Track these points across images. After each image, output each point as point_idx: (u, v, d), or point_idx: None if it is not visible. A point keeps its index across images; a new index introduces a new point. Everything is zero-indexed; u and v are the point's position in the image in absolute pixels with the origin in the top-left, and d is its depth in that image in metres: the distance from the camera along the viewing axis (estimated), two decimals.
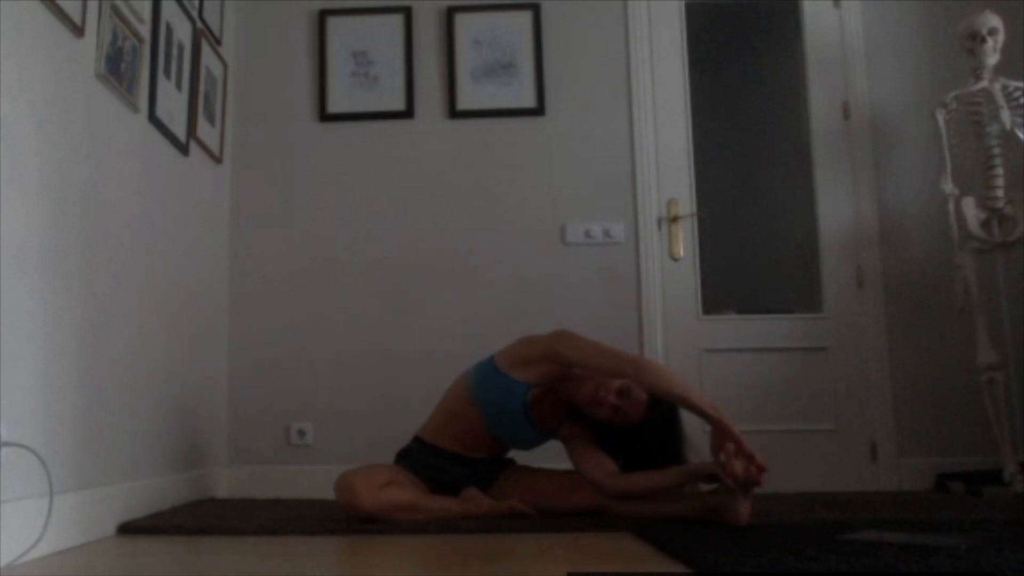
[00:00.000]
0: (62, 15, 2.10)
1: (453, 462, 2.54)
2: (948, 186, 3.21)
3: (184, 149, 2.97)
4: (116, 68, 2.41)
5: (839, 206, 3.58)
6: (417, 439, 2.60)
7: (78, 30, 2.18)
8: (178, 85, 2.91)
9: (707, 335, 3.49)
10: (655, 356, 3.38)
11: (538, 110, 3.57)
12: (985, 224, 3.15)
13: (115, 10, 2.39)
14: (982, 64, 3.18)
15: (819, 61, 3.67)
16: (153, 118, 2.68)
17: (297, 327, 3.48)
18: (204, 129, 3.19)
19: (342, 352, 3.45)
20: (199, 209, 3.18)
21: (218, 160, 3.38)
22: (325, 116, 3.60)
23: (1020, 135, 3.13)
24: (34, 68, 2.00)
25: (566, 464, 2.53)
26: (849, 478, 3.37)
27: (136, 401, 2.55)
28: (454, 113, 3.59)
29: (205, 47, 3.19)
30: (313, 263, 3.52)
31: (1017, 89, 3.15)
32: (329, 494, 2.42)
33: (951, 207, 3.20)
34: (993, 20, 3.18)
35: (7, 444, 1.79)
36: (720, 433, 2.24)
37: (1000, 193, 3.12)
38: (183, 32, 2.96)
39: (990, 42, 3.16)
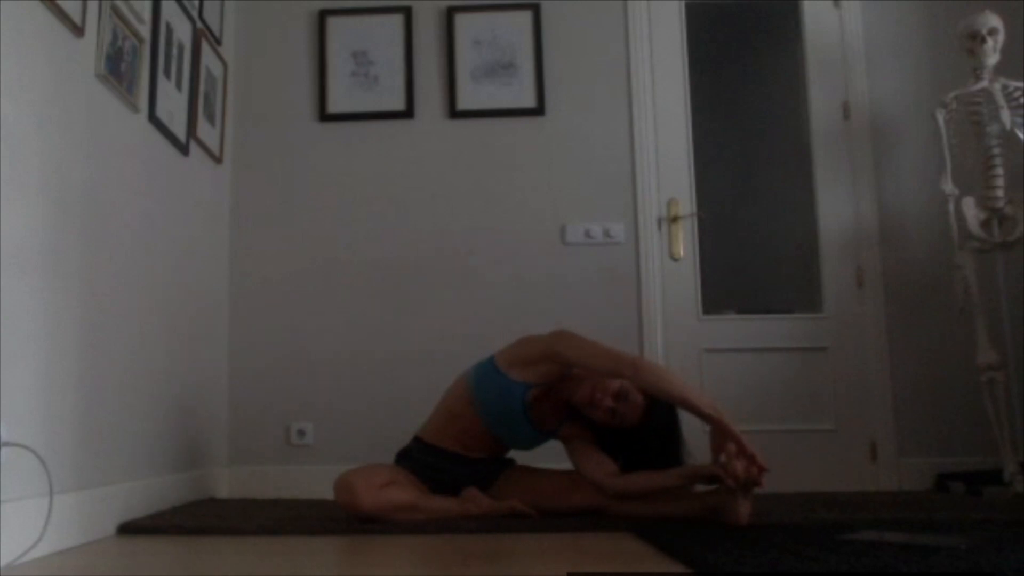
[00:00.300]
0: (62, 15, 2.10)
1: (453, 462, 2.54)
2: (948, 186, 3.21)
3: (184, 149, 2.97)
4: (116, 68, 2.41)
5: (839, 206, 3.58)
6: (417, 439, 2.61)
7: (78, 30, 2.18)
8: (178, 85, 2.91)
9: (707, 335, 3.49)
10: (655, 356, 3.39)
11: (538, 110, 3.57)
12: (985, 224, 3.15)
13: (115, 10, 2.39)
14: (982, 64, 3.18)
15: (819, 61, 3.67)
16: (153, 118, 2.68)
17: (297, 327, 3.48)
18: (204, 129, 3.19)
19: (342, 352, 3.45)
20: (199, 209, 3.18)
21: (218, 160, 3.38)
22: (325, 116, 3.60)
23: (1020, 135, 3.13)
24: (34, 68, 2.00)
25: (566, 464, 2.53)
26: (849, 478, 3.37)
27: (136, 401, 2.55)
28: (454, 113, 3.59)
29: (205, 47, 3.19)
30: (313, 263, 3.52)
31: (1017, 89, 3.15)
32: (329, 494, 2.42)
33: (951, 207, 3.20)
34: (993, 20, 3.18)
35: (7, 444, 1.79)
36: (720, 433, 2.24)
37: (1000, 193, 3.12)
38: (183, 32, 2.96)
39: (990, 42, 3.16)
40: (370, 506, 2.32)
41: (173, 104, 2.86)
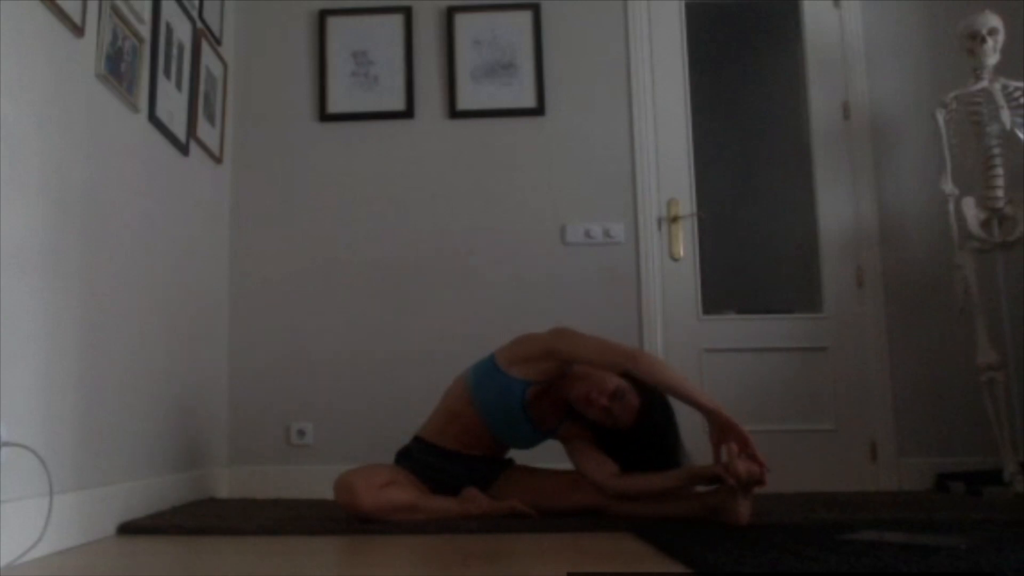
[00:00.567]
0: (62, 15, 2.10)
1: (453, 461, 2.54)
2: (948, 186, 3.21)
3: (184, 149, 2.97)
4: (116, 68, 2.41)
5: (839, 206, 3.58)
6: (417, 438, 2.61)
7: (78, 30, 2.18)
8: (178, 85, 2.91)
9: (707, 335, 3.49)
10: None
11: (538, 110, 3.57)
12: (985, 224, 3.15)
13: (115, 10, 2.39)
14: (982, 64, 3.18)
15: (819, 61, 3.67)
16: (153, 118, 2.68)
17: (297, 327, 3.48)
18: (204, 129, 3.19)
19: (342, 352, 3.45)
20: (199, 209, 3.18)
21: (218, 160, 3.38)
22: (325, 116, 3.60)
23: (1020, 135, 3.13)
24: (34, 68, 2.00)
25: (566, 464, 2.53)
26: (849, 478, 3.37)
27: (136, 401, 2.55)
28: (454, 113, 3.59)
29: (205, 47, 3.19)
30: (313, 263, 3.52)
31: (1017, 89, 3.15)
32: (329, 494, 2.42)
33: (951, 207, 3.20)
34: (993, 20, 3.18)
35: (7, 444, 1.79)
36: (719, 426, 2.25)
37: (1000, 193, 3.12)
38: (183, 32, 2.96)
39: (990, 42, 3.16)
40: (370, 506, 2.32)
41: (173, 104, 2.86)
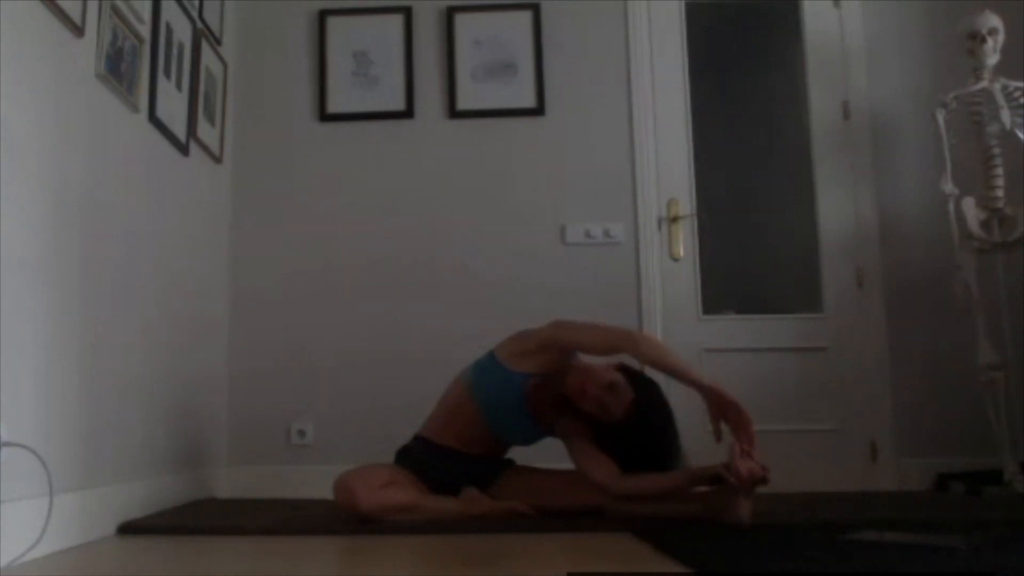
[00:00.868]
0: (62, 15, 2.10)
1: (453, 460, 2.54)
2: (948, 186, 3.21)
3: (184, 149, 2.97)
4: (116, 68, 2.41)
5: (839, 206, 3.58)
6: (417, 437, 2.61)
7: (78, 30, 2.18)
8: (178, 85, 2.91)
9: (707, 335, 3.49)
10: None
11: (538, 110, 3.57)
12: (985, 224, 3.15)
13: (115, 10, 2.39)
14: (982, 64, 3.18)
15: (819, 61, 3.67)
16: (153, 118, 2.68)
17: (297, 327, 3.48)
18: (204, 129, 3.19)
19: (342, 352, 3.45)
20: (199, 209, 3.18)
21: (218, 160, 3.38)
22: (325, 116, 3.60)
23: (1020, 135, 3.14)
24: (34, 68, 2.00)
25: (566, 464, 2.53)
26: (849, 478, 3.37)
27: (136, 401, 2.55)
28: (454, 113, 3.59)
29: (205, 47, 3.19)
30: (313, 263, 3.52)
31: (1017, 89, 3.15)
32: (329, 494, 2.42)
33: (951, 207, 3.20)
34: (993, 20, 3.18)
35: (7, 444, 1.79)
36: (718, 403, 2.26)
37: (1000, 193, 3.12)
38: (183, 32, 2.96)
39: (990, 42, 3.17)
40: (369, 506, 2.32)
41: (173, 104, 2.86)
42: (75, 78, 2.20)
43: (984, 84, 3.17)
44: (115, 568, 1.84)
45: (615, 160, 3.56)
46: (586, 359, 2.54)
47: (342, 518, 2.37)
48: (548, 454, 2.63)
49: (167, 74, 2.81)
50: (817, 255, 3.57)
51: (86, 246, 2.23)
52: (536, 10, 3.62)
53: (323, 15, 3.64)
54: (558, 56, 3.62)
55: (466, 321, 3.41)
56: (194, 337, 3.09)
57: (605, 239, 3.51)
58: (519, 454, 2.66)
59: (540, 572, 1.66)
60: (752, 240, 3.70)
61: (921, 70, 3.61)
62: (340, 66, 3.62)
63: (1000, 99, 3.13)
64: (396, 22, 3.64)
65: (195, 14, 3.10)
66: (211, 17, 3.29)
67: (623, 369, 2.45)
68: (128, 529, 2.31)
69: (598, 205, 3.54)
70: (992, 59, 3.18)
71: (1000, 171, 3.13)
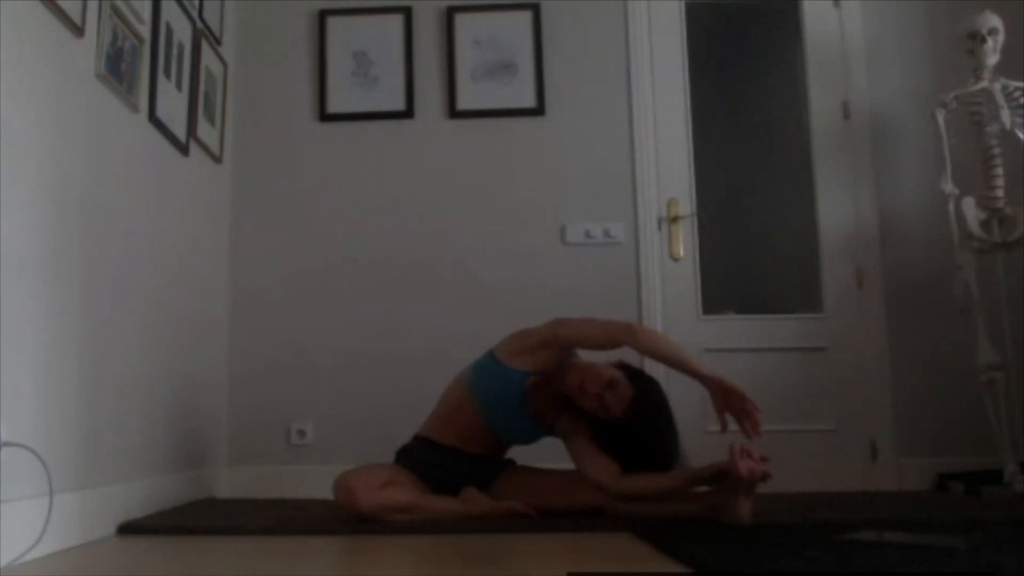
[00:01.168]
0: (62, 15, 2.10)
1: (453, 459, 2.54)
2: (948, 186, 3.21)
3: (184, 149, 2.97)
4: (116, 68, 2.41)
5: (839, 206, 3.58)
6: (418, 437, 2.61)
7: (78, 30, 2.18)
8: (178, 85, 2.91)
9: (707, 335, 3.49)
10: None
11: (538, 110, 3.57)
12: (985, 224, 3.15)
13: (115, 10, 2.39)
14: (982, 64, 3.18)
15: (819, 61, 3.67)
16: (153, 118, 2.68)
17: (297, 327, 3.48)
18: (204, 129, 3.19)
19: (342, 352, 3.45)
20: (199, 209, 3.18)
21: (218, 160, 3.38)
22: (325, 116, 3.60)
23: (1020, 135, 3.14)
24: (34, 68, 2.00)
25: (566, 464, 2.53)
26: (849, 478, 3.37)
27: (136, 401, 2.55)
28: (454, 113, 3.59)
29: (205, 47, 3.19)
30: (313, 263, 3.52)
31: (1017, 89, 3.15)
32: (329, 494, 2.42)
33: (951, 207, 3.20)
34: (993, 20, 3.18)
35: (7, 444, 1.79)
36: (720, 392, 2.27)
37: (1000, 193, 3.12)
38: (183, 32, 2.96)
39: (990, 42, 3.17)
40: (369, 506, 2.32)
41: (173, 104, 2.86)
42: (75, 78, 2.20)
43: (984, 84, 3.17)
44: (115, 568, 1.84)
45: (615, 160, 3.56)
46: (586, 355, 2.54)
47: (342, 518, 2.37)
48: (548, 454, 2.63)
49: (167, 74, 2.81)
50: (817, 255, 3.57)
51: (86, 246, 2.23)
52: (536, 10, 3.62)
53: (323, 15, 3.64)
54: (558, 56, 3.62)
55: (466, 321, 3.41)
56: (194, 337, 3.09)
57: (605, 239, 3.51)
58: (519, 454, 2.66)
59: (540, 572, 1.67)
60: (752, 240, 3.70)
61: (921, 70, 3.61)
62: (340, 66, 3.62)
63: (1000, 99, 3.13)
64: (396, 22, 3.64)
65: (195, 14, 3.09)
66: (211, 17, 3.29)
67: (623, 367, 2.45)
68: (128, 529, 2.31)
69: (598, 205, 3.54)
70: (992, 59, 3.18)
71: (1000, 171, 3.13)
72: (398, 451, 2.62)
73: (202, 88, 3.16)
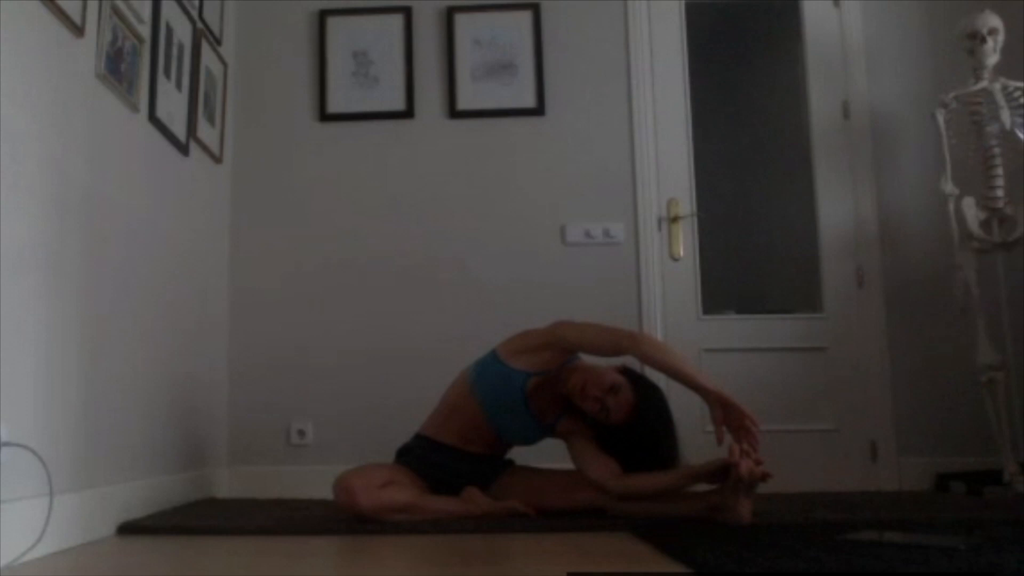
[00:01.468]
0: (62, 15, 2.10)
1: (454, 458, 2.55)
2: (948, 186, 3.21)
3: (184, 149, 2.97)
4: (116, 68, 2.41)
5: (839, 206, 3.58)
6: (418, 436, 2.61)
7: (78, 30, 2.18)
8: (178, 85, 2.91)
9: (707, 335, 3.49)
10: None
11: (538, 110, 3.57)
12: (985, 224, 3.15)
13: (115, 10, 2.39)
14: (982, 64, 3.18)
15: (819, 61, 3.67)
16: (153, 118, 2.68)
17: (297, 327, 3.48)
18: (204, 129, 3.19)
19: (342, 352, 3.45)
20: (199, 209, 3.18)
21: (218, 160, 3.38)
22: (325, 116, 3.60)
23: (1020, 135, 3.13)
24: (34, 68, 2.00)
25: (566, 464, 2.53)
26: (849, 478, 3.37)
27: (136, 401, 2.55)
28: (454, 113, 3.59)
29: (205, 47, 3.19)
30: (313, 263, 3.52)
31: (1017, 89, 3.15)
32: (329, 494, 2.42)
33: (951, 207, 3.20)
34: (993, 20, 3.18)
35: (7, 444, 1.79)
36: (721, 406, 2.26)
37: (1000, 193, 3.12)
38: (183, 32, 2.96)
39: (990, 42, 3.17)
40: (369, 506, 2.32)
41: (173, 104, 2.86)
42: (75, 78, 2.20)
43: (984, 84, 3.17)
44: (115, 568, 1.84)
45: (615, 160, 3.56)
46: (589, 360, 2.54)
47: (342, 518, 2.37)
48: (548, 454, 2.63)
49: (167, 74, 2.81)
50: (817, 255, 3.57)
51: (86, 246, 2.23)
52: (536, 10, 3.62)
53: (323, 15, 3.64)
54: (558, 56, 3.62)
55: (466, 321, 3.42)
56: (194, 337, 3.09)
57: (605, 239, 3.51)
58: (519, 454, 2.66)
59: (540, 572, 1.67)
60: (752, 240, 3.70)
61: (921, 70, 3.61)
62: (340, 66, 3.62)
63: (1000, 99, 3.13)
64: (396, 22, 3.64)
65: (195, 14, 3.09)
66: (211, 17, 3.29)
67: (625, 372, 2.45)
68: (128, 529, 2.31)
69: (598, 205, 3.54)
70: (992, 59, 3.18)
71: (1000, 171, 3.12)
72: (398, 450, 2.62)
73: (202, 88, 3.16)
